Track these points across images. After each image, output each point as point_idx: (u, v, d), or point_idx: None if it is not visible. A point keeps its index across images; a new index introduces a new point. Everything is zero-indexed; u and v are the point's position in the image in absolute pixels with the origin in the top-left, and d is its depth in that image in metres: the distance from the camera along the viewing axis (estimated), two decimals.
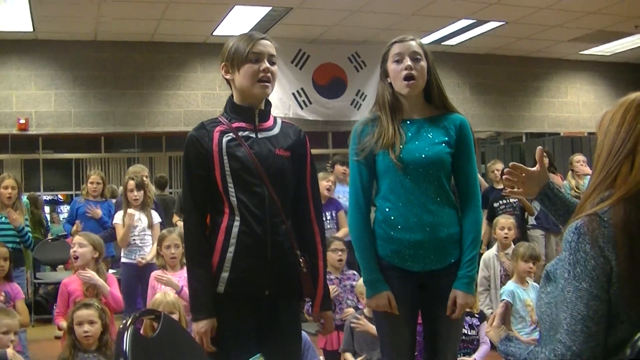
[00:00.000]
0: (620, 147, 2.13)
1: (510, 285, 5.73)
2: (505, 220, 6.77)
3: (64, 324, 5.11)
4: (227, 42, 3.22)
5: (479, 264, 3.52)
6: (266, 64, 3.11)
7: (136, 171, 8.16)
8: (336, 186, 7.97)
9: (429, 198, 3.32)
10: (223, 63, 3.21)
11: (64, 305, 5.39)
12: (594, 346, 2.02)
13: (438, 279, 3.35)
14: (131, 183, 7.28)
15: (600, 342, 2.03)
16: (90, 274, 5.34)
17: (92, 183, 8.54)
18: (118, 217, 7.32)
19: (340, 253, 5.89)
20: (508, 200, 8.59)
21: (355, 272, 5.87)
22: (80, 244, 5.52)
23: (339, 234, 7.02)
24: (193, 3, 10.15)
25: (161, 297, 4.76)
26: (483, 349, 5.33)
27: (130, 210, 7.16)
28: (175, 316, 4.53)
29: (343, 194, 7.49)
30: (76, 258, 5.50)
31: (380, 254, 3.39)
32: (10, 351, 4.44)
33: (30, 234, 7.28)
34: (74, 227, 8.04)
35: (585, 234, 2.05)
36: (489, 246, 7.64)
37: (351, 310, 5.69)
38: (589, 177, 8.90)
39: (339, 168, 8.20)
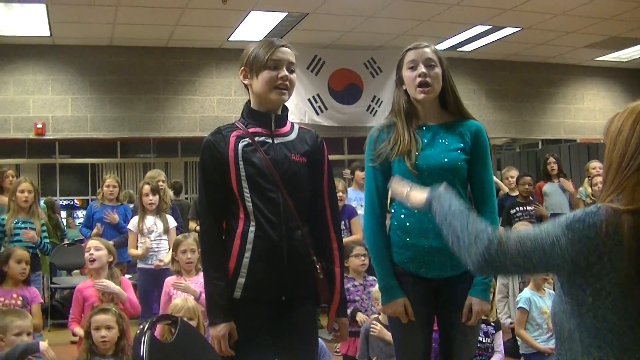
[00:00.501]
0: (631, 161, 2.13)
1: (527, 292, 5.71)
2: (524, 228, 6.74)
3: (79, 330, 5.14)
4: (247, 47, 3.23)
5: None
6: (284, 72, 3.11)
7: (152, 176, 8.21)
8: (357, 193, 7.96)
9: None
10: (242, 68, 3.22)
11: (78, 311, 5.41)
12: (513, 265, 2.16)
13: (453, 286, 3.34)
14: (146, 188, 7.31)
15: (515, 271, 2.25)
16: (106, 282, 5.36)
17: (107, 187, 8.54)
18: (132, 224, 7.35)
19: (363, 258, 5.91)
20: (525, 208, 8.59)
21: (375, 278, 5.88)
22: (97, 248, 5.56)
23: (350, 239, 7.01)
24: (209, 9, 10.18)
25: (182, 302, 4.78)
26: (497, 357, 5.32)
27: (145, 244, 7.21)
28: (194, 322, 4.55)
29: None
30: (93, 261, 5.53)
31: (395, 261, 3.39)
32: (43, 344, 4.45)
33: (47, 242, 7.29)
34: (94, 231, 8.06)
35: (603, 214, 2.07)
36: None
37: (363, 316, 5.68)
38: None
39: (359, 174, 8.17)
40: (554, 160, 9.74)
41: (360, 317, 5.63)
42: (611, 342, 2.09)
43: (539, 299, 5.63)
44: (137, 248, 7.24)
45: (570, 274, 2.11)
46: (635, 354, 2.07)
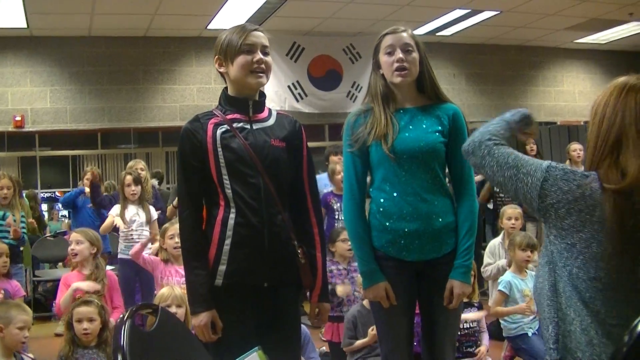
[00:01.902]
0: (603, 143, 2.19)
1: (508, 275, 5.70)
2: (512, 211, 6.78)
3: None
4: (219, 36, 3.22)
5: (476, 253, 3.53)
6: (259, 55, 3.11)
7: (131, 165, 8.20)
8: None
9: (424, 188, 3.31)
10: (217, 56, 3.21)
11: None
12: (488, 165, 2.35)
13: (434, 269, 3.35)
14: (128, 178, 7.29)
15: (488, 171, 2.36)
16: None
17: (87, 178, 8.53)
18: (115, 210, 7.35)
19: (349, 243, 5.90)
20: None
21: None
22: (78, 241, 5.52)
23: None
24: None
25: (168, 291, 4.75)
26: (485, 337, 5.34)
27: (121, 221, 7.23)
28: (182, 310, 4.53)
29: None
30: (75, 255, 5.50)
31: (375, 245, 3.39)
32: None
33: (24, 232, 7.24)
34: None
35: (590, 178, 2.14)
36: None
37: (343, 289, 5.69)
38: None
39: (333, 158, 8.11)
40: (533, 141, 9.84)
41: (340, 290, 5.63)
42: (585, 303, 2.13)
43: (520, 282, 5.62)
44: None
45: (541, 215, 2.21)
46: (607, 320, 2.10)
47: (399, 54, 3.34)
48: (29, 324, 4.55)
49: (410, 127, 3.36)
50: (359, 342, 5.26)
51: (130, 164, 8.50)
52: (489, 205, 8.92)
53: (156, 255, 5.83)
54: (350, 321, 5.33)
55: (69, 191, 10.07)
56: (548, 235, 2.25)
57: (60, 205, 14.09)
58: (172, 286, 4.97)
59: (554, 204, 2.15)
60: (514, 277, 5.64)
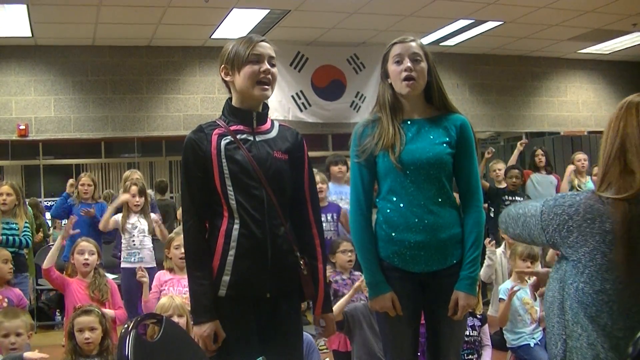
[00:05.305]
0: (610, 153, 2.25)
1: (508, 284, 5.69)
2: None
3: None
4: (226, 45, 3.23)
5: (481, 264, 3.53)
6: (266, 65, 3.12)
7: (127, 175, 8.22)
8: (334, 187, 7.88)
9: (430, 199, 3.31)
10: (223, 65, 3.21)
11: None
12: (511, 227, 2.53)
13: (440, 280, 3.35)
14: (134, 188, 7.29)
15: (514, 232, 2.52)
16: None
17: (82, 185, 8.44)
18: (117, 217, 7.36)
19: (349, 254, 5.90)
20: (514, 198, 8.67)
21: (361, 273, 5.88)
22: (91, 252, 5.56)
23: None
24: (191, 7, 10.15)
25: (168, 301, 4.74)
26: (487, 352, 5.32)
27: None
28: (183, 319, 4.53)
29: (346, 195, 7.29)
30: (87, 265, 5.52)
31: (381, 255, 3.39)
32: (27, 354, 4.40)
33: (28, 236, 7.20)
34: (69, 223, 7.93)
35: (583, 197, 2.25)
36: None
37: None
38: (590, 176, 9.06)
39: (333, 168, 8.08)
40: (542, 152, 9.89)
41: None
42: (591, 318, 2.16)
43: (521, 290, 5.59)
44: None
45: (552, 244, 2.31)
46: (614, 333, 2.11)
47: (407, 64, 3.34)
48: (13, 330, 4.54)
49: (418, 138, 3.36)
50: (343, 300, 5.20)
51: (126, 174, 8.49)
52: (490, 214, 8.93)
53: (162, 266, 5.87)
54: (351, 314, 5.24)
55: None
56: (560, 258, 2.31)
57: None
58: (172, 296, 4.97)
59: (555, 228, 2.25)
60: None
